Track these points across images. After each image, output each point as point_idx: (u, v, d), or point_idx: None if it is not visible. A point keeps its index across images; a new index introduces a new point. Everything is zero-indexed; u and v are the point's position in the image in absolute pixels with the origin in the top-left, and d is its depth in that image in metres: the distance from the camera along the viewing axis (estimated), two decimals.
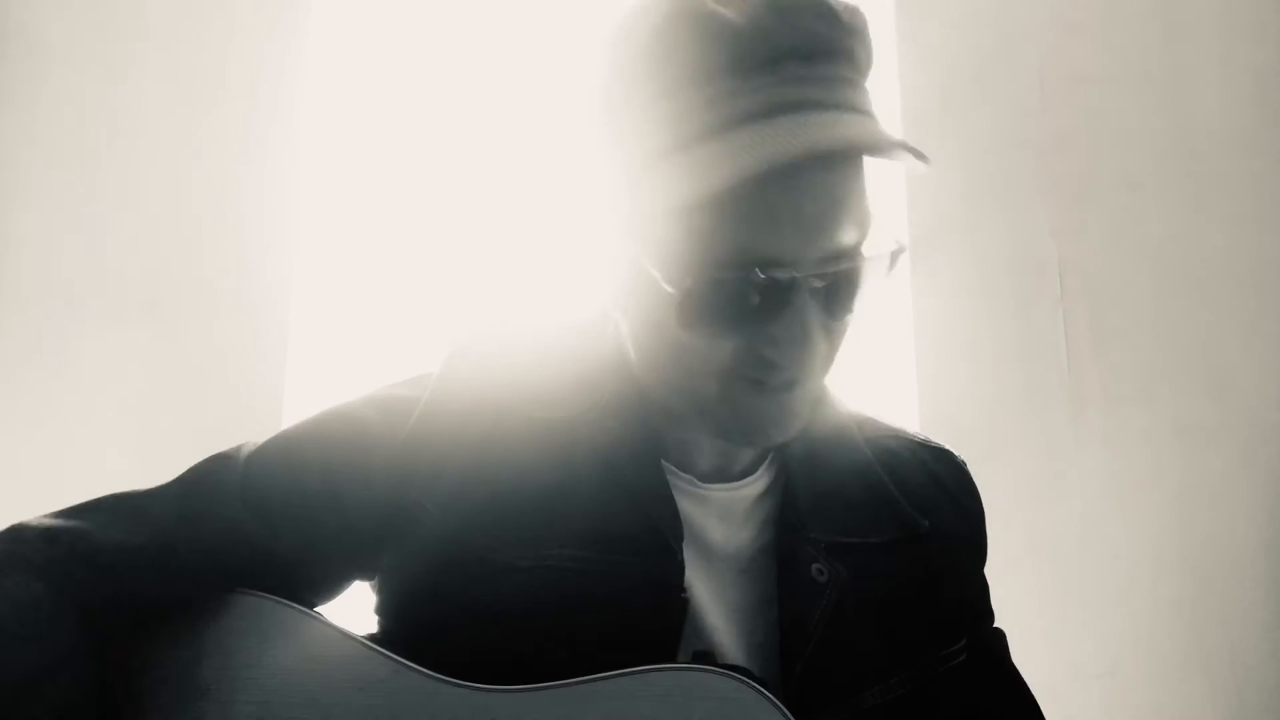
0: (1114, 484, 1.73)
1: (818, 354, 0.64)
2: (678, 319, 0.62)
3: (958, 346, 1.79)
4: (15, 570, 0.65)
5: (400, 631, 0.71)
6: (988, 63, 1.88)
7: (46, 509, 0.71)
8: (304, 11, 1.93)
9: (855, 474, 0.76)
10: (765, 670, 0.68)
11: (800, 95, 0.58)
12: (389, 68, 1.94)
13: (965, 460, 0.84)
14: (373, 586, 0.75)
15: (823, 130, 0.58)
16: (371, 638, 0.71)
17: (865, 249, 0.63)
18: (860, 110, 0.61)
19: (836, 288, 0.63)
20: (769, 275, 0.60)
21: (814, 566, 0.71)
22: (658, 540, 0.69)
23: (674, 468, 0.73)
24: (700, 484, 0.73)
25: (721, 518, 0.73)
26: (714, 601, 0.70)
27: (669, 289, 0.61)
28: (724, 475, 0.74)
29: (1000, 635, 0.83)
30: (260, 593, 0.69)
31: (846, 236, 0.61)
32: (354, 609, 0.76)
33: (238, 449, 0.74)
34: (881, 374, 1.79)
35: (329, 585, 0.75)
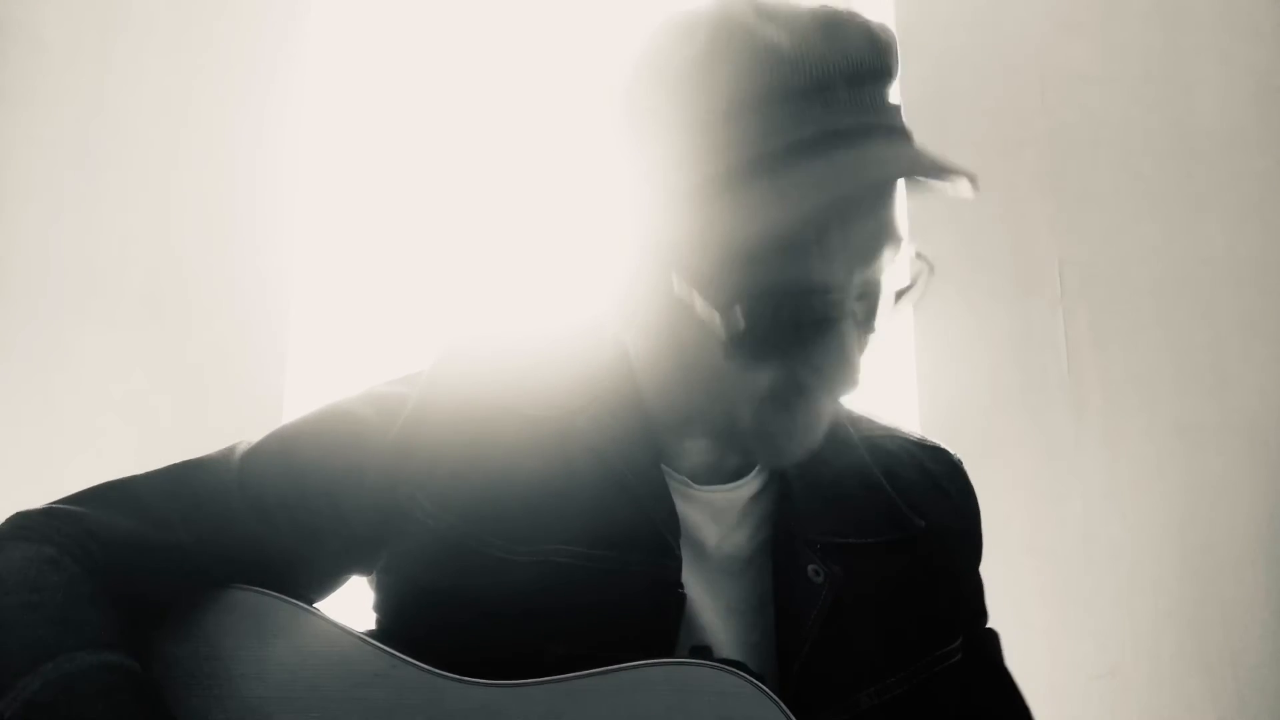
0: (1114, 484, 1.73)
1: (855, 378, 0.64)
2: (722, 349, 0.61)
3: (958, 346, 1.79)
4: (24, 540, 0.65)
5: (398, 627, 0.71)
6: (988, 63, 1.88)
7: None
8: (305, 11, 1.93)
9: (851, 474, 0.76)
10: (762, 670, 0.68)
11: (853, 123, 0.58)
12: (389, 68, 1.94)
13: (961, 458, 0.84)
14: (370, 582, 0.75)
15: (883, 164, 0.57)
16: (369, 634, 0.71)
17: (900, 270, 0.64)
18: (905, 132, 0.61)
19: (872, 309, 0.63)
20: (819, 303, 0.60)
21: (810, 567, 0.71)
22: (655, 537, 0.68)
23: (669, 468, 0.73)
24: (695, 485, 0.73)
25: (716, 518, 0.73)
26: (709, 601, 0.70)
27: (715, 319, 0.60)
28: (718, 476, 0.74)
29: (994, 636, 0.83)
30: (257, 588, 0.69)
31: (887, 259, 0.62)
32: (352, 604, 0.76)
33: (233, 446, 0.74)
34: (881, 373, 1.79)
35: (326, 581, 0.75)
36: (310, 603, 0.72)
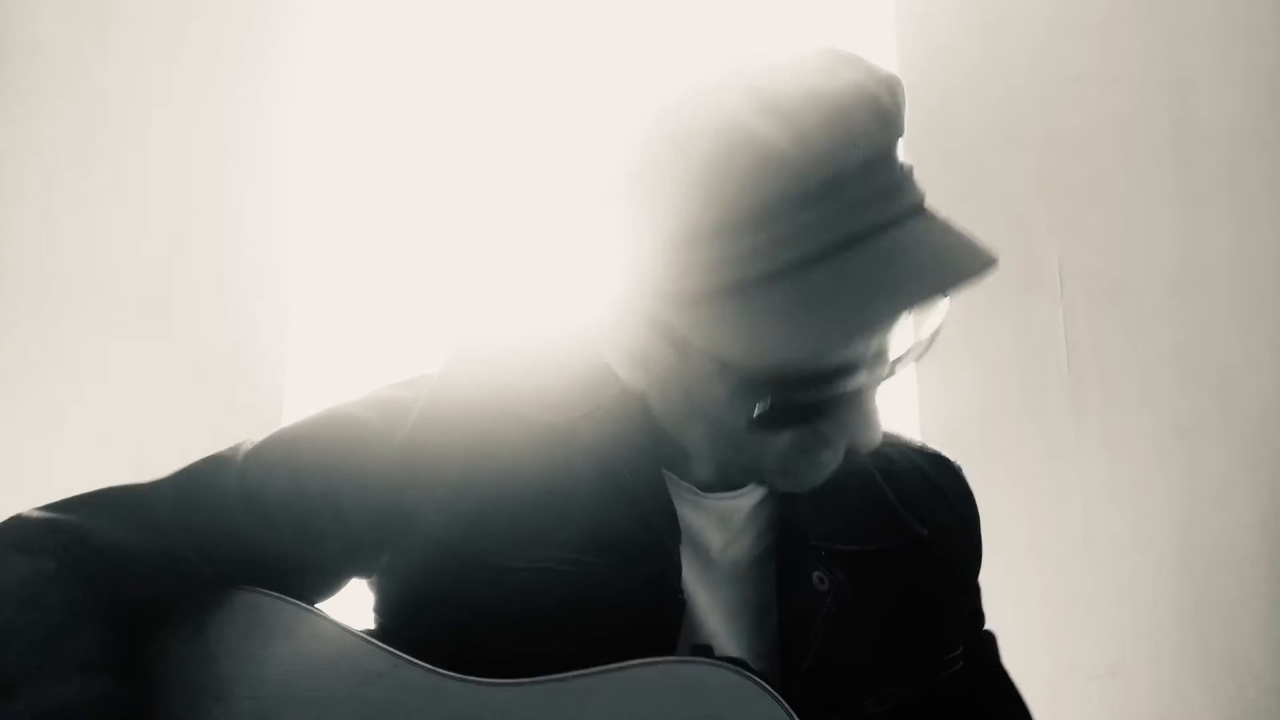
0: (1114, 484, 1.73)
1: (877, 424, 0.64)
2: (748, 427, 0.62)
3: (958, 346, 1.79)
4: (18, 551, 0.66)
5: (399, 630, 0.71)
6: (988, 63, 1.88)
7: None
8: (303, 10, 1.93)
9: (853, 481, 0.75)
10: (766, 675, 0.67)
11: (868, 220, 0.56)
12: (390, 69, 1.94)
13: (962, 466, 0.84)
14: (371, 585, 0.75)
15: (907, 274, 0.56)
16: (370, 635, 0.71)
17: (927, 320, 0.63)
18: (921, 205, 0.60)
19: (890, 363, 0.64)
20: (844, 380, 0.60)
21: (815, 574, 0.71)
22: (654, 543, 0.69)
23: (673, 475, 0.73)
24: (699, 492, 0.73)
25: (720, 525, 0.73)
26: (712, 607, 0.71)
27: (739, 406, 0.61)
28: (723, 483, 0.74)
29: (991, 638, 0.84)
30: (259, 589, 0.70)
31: (902, 324, 0.62)
32: (354, 605, 0.76)
33: (235, 448, 0.74)
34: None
35: (327, 583, 0.75)
36: (311, 604, 0.72)
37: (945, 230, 0.59)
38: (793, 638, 0.69)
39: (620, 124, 0.62)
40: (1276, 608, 1.68)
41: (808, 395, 0.60)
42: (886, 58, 1.89)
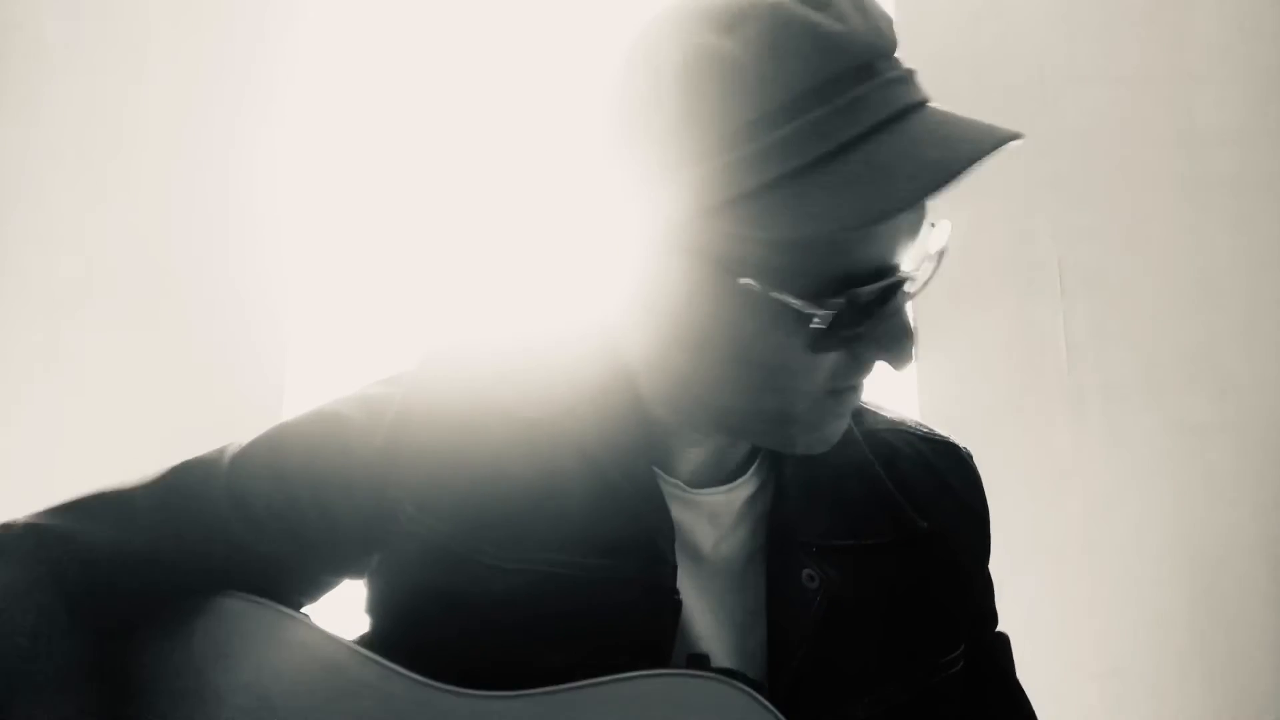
0: (1114, 484, 1.73)
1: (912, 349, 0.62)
2: (807, 344, 0.59)
3: (958, 346, 1.78)
4: (3, 563, 0.65)
5: (389, 632, 0.70)
6: (988, 63, 1.88)
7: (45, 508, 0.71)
8: (305, 11, 1.93)
9: (851, 472, 0.73)
10: (758, 678, 0.66)
11: (905, 99, 0.57)
12: (390, 67, 1.94)
13: (970, 453, 0.82)
14: (364, 584, 0.74)
15: (964, 142, 0.55)
16: (363, 637, 0.70)
17: (939, 232, 0.62)
18: (926, 97, 0.59)
19: (926, 281, 0.62)
20: (891, 282, 0.58)
21: (805, 571, 0.68)
22: (648, 543, 0.67)
23: (661, 472, 0.70)
24: (687, 489, 0.71)
25: (712, 522, 0.71)
26: (706, 608, 0.69)
27: (809, 314, 0.57)
28: (713, 478, 0.72)
29: (1003, 641, 0.81)
30: (246, 595, 0.69)
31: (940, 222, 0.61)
32: (343, 610, 0.75)
33: (221, 450, 0.73)
34: (881, 373, 1.78)
35: (316, 585, 0.74)
36: (300, 607, 0.71)
37: (956, 118, 0.58)
38: (781, 639, 0.67)
39: (614, 57, 0.60)
40: (1276, 608, 1.68)
41: (860, 295, 0.58)
42: None
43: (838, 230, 0.55)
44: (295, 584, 0.72)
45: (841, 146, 0.55)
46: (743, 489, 0.72)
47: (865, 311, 0.59)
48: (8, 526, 0.68)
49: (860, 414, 0.78)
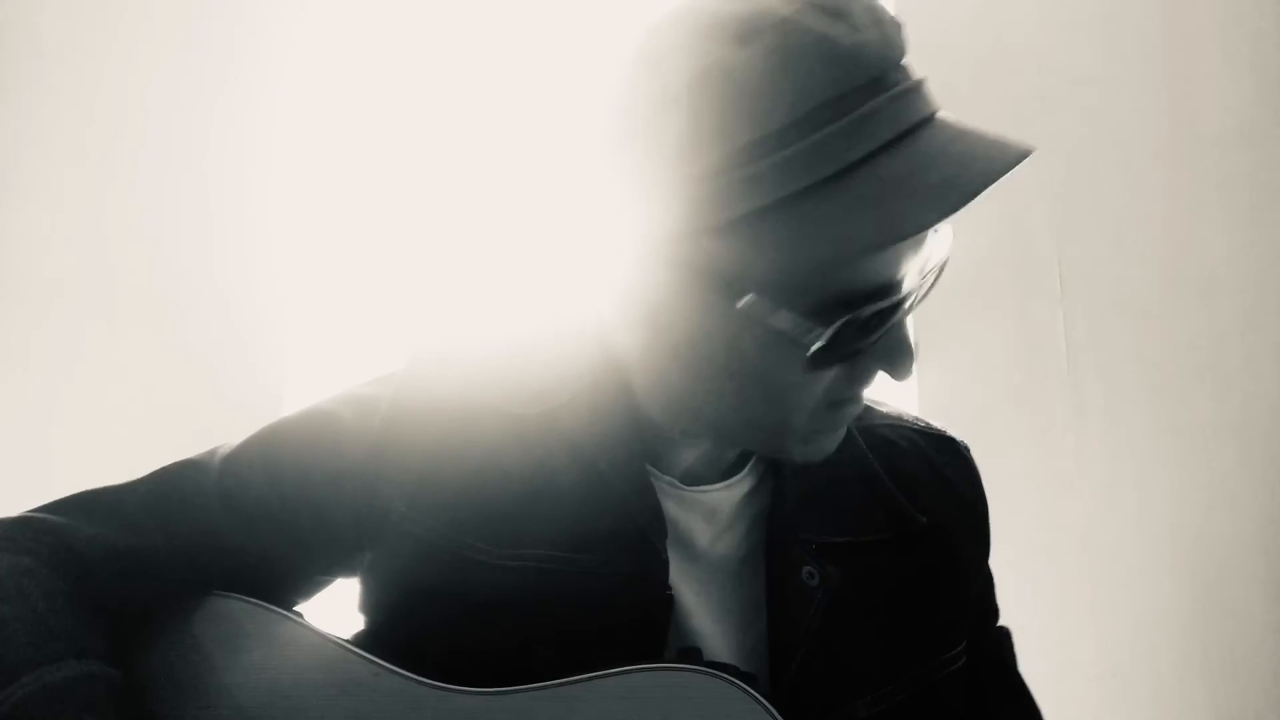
0: (1114, 484, 1.73)
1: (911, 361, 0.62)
2: (807, 363, 0.58)
3: (958, 346, 1.78)
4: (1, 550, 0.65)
5: (383, 629, 0.70)
6: (988, 63, 1.88)
7: None
8: (305, 11, 1.93)
9: (849, 468, 0.73)
10: (756, 675, 0.66)
11: (914, 113, 0.55)
12: (391, 67, 1.93)
13: (968, 446, 0.81)
14: (358, 584, 0.74)
15: (976, 160, 0.54)
16: (356, 636, 0.70)
17: (940, 244, 0.61)
18: (937, 110, 0.58)
19: (921, 288, 0.61)
20: (892, 300, 0.57)
21: (805, 569, 0.68)
22: (639, 539, 0.67)
23: (655, 469, 0.70)
24: (683, 485, 0.70)
25: (707, 519, 0.70)
26: (702, 606, 0.69)
27: (806, 333, 0.57)
28: (709, 475, 0.72)
29: (1005, 635, 0.81)
30: (239, 595, 0.69)
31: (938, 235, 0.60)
32: (336, 609, 0.75)
33: (213, 450, 0.73)
34: (881, 373, 1.78)
35: (308, 584, 0.74)
36: (293, 606, 0.71)
37: (968, 131, 0.56)
38: (782, 636, 0.67)
39: (620, 60, 0.59)
40: (1276, 608, 1.68)
41: (863, 314, 0.57)
42: None
43: (842, 254, 0.54)
44: (287, 583, 0.73)
45: (850, 166, 0.53)
46: (739, 486, 0.72)
47: (866, 329, 0.58)
48: (1, 524, 0.68)
49: None
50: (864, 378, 0.62)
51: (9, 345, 1.78)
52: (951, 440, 0.81)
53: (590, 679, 0.62)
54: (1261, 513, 1.71)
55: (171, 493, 0.71)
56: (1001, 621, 0.82)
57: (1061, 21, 1.89)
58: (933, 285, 0.61)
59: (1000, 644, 0.80)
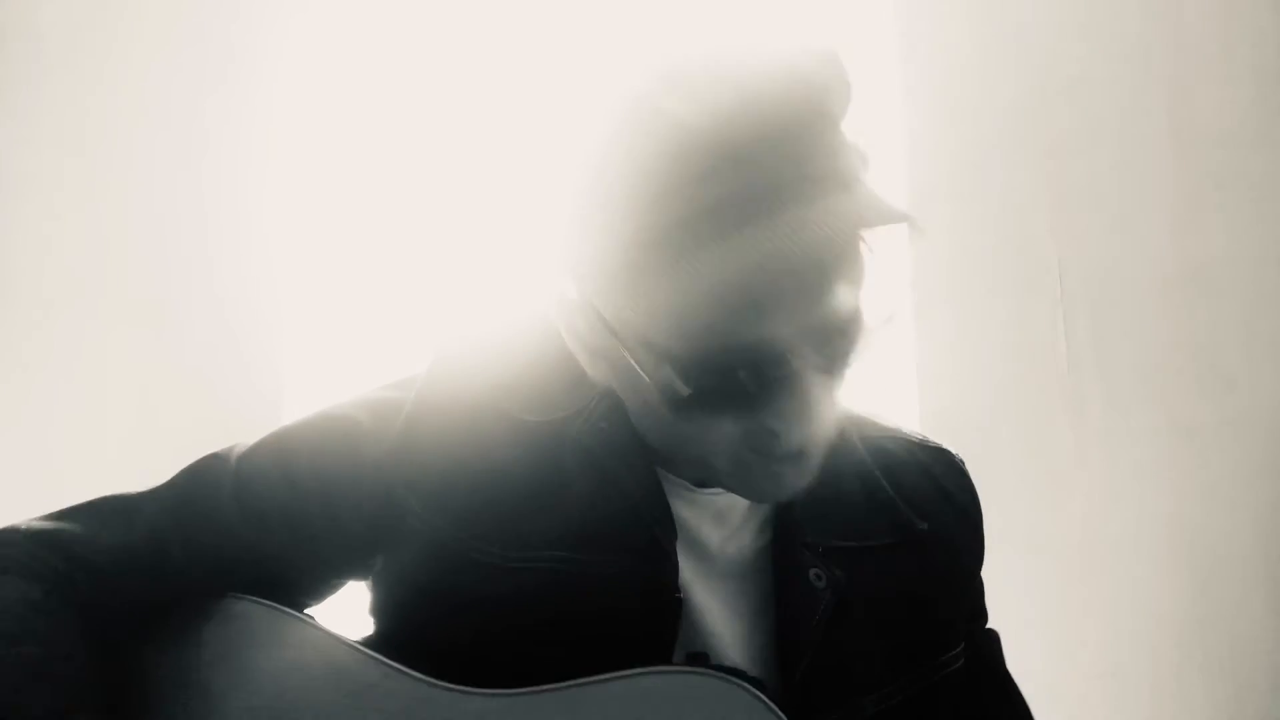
0: (1114, 484, 1.73)
1: (825, 420, 0.62)
2: (674, 410, 0.60)
3: (958, 346, 1.79)
4: (7, 573, 0.65)
5: (394, 632, 0.70)
6: (988, 63, 1.88)
7: (46, 509, 0.71)
8: (307, 11, 1.93)
9: (852, 477, 0.75)
10: (764, 676, 0.67)
11: (767, 184, 0.55)
12: (391, 67, 1.94)
13: (963, 459, 0.83)
14: (368, 587, 0.75)
15: (796, 229, 0.54)
16: (367, 639, 0.70)
17: (863, 305, 0.61)
18: (839, 177, 0.57)
19: (834, 352, 0.61)
20: (770, 360, 0.58)
21: (812, 571, 0.70)
22: (649, 540, 0.68)
23: (666, 472, 0.71)
24: (693, 487, 0.71)
25: (717, 521, 0.72)
26: (712, 606, 0.70)
27: (652, 383, 0.59)
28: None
29: (994, 637, 0.83)
30: (251, 597, 0.69)
31: (837, 298, 0.59)
32: (348, 611, 0.75)
33: (229, 450, 0.74)
34: (881, 374, 1.79)
35: (321, 586, 0.75)
36: (306, 608, 0.72)
37: (851, 211, 0.57)
38: (790, 636, 0.69)
39: (554, 119, 0.64)
40: (1276, 608, 1.68)
41: (735, 373, 0.59)
42: (887, 59, 1.89)
43: (691, 316, 0.57)
44: (300, 585, 0.73)
45: (669, 235, 0.56)
46: None
47: (739, 387, 0.59)
48: (11, 531, 0.68)
49: (858, 422, 0.80)
50: (774, 428, 0.62)
51: (6, 346, 1.78)
52: (948, 452, 0.83)
53: (600, 680, 0.62)
54: (1261, 513, 1.71)
55: (187, 494, 0.71)
56: (1003, 622, 0.84)
57: (1061, 21, 1.90)
58: (841, 352, 0.61)
59: (990, 646, 0.82)
